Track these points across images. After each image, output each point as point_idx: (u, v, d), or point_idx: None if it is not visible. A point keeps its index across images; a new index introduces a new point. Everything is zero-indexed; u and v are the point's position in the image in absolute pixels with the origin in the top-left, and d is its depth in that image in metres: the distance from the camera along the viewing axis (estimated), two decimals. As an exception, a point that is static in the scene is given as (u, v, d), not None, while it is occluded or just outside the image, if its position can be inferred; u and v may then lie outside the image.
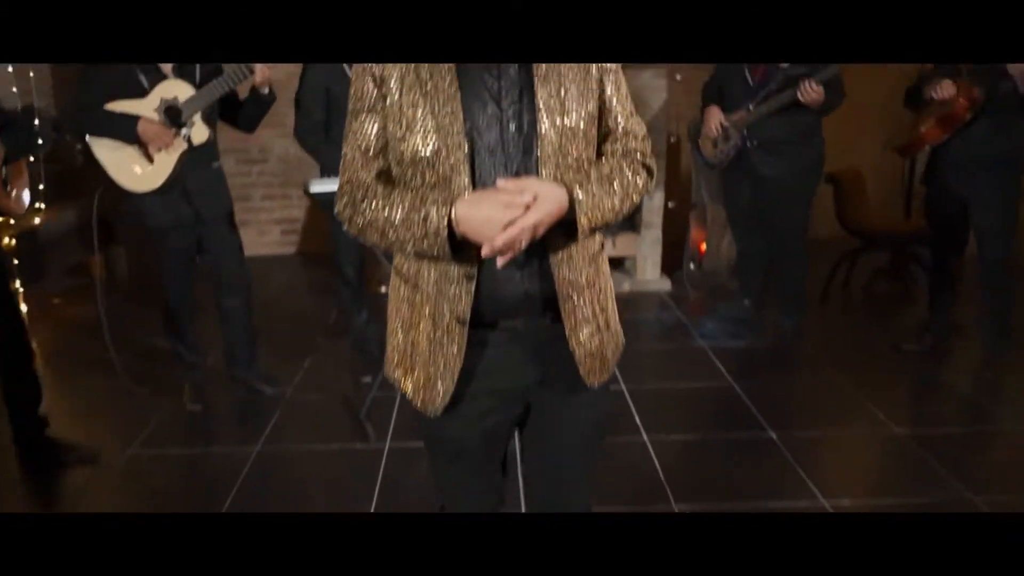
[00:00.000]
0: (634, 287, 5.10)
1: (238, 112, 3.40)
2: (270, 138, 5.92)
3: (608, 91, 1.57)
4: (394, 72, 1.49)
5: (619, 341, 1.65)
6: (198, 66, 3.22)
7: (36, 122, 5.00)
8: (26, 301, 4.46)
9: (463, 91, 1.46)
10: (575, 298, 1.53)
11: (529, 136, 1.47)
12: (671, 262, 5.20)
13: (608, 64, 1.57)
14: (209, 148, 3.29)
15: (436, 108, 1.45)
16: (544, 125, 1.46)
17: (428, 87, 1.47)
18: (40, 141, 3.81)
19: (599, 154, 1.59)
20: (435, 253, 1.44)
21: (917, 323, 4.09)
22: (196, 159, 3.22)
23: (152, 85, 3.14)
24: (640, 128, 1.63)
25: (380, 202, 1.49)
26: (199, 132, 3.19)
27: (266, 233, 6.35)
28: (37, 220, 5.00)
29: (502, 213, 1.38)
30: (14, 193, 3.00)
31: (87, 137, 3.18)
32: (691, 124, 4.43)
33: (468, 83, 1.47)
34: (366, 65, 1.51)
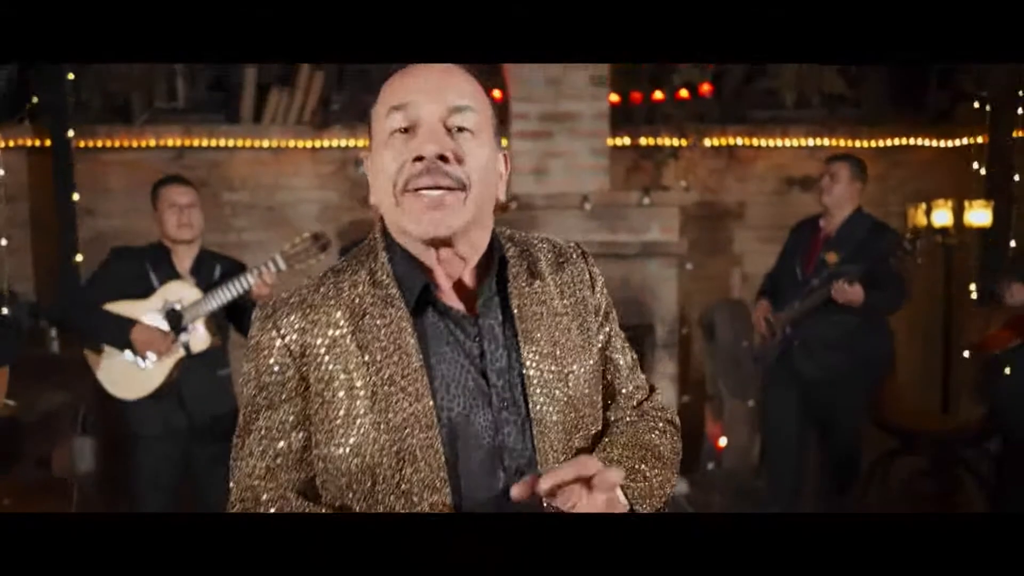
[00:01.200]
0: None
1: (243, 320, 3.14)
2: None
3: (602, 339, 1.22)
4: (322, 340, 1.07)
5: None
6: (217, 267, 3.00)
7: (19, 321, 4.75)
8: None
9: (428, 357, 1.07)
10: None
11: (523, 417, 1.07)
12: (687, 462, 4.72)
13: (603, 300, 1.22)
14: (214, 355, 3.01)
15: (390, 390, 1.04)
16: (539, 399, 1.08)
17: (374, 359, 1.05)
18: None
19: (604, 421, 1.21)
20: None
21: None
22: (196, 366, 2.94)
23: (161, 283, 2.92)
24: (645, 380, 1.28)
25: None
26: (198, 340, 2.93)
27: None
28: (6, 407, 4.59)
29: None
30: None
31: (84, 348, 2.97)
32: (704, 314, 4.18)
33: (433, 344, 1.07)
34: (277, 334, 1.08)
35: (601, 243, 4.45)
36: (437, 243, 1.07)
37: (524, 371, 1.08)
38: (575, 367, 1.13)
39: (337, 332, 1.06)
